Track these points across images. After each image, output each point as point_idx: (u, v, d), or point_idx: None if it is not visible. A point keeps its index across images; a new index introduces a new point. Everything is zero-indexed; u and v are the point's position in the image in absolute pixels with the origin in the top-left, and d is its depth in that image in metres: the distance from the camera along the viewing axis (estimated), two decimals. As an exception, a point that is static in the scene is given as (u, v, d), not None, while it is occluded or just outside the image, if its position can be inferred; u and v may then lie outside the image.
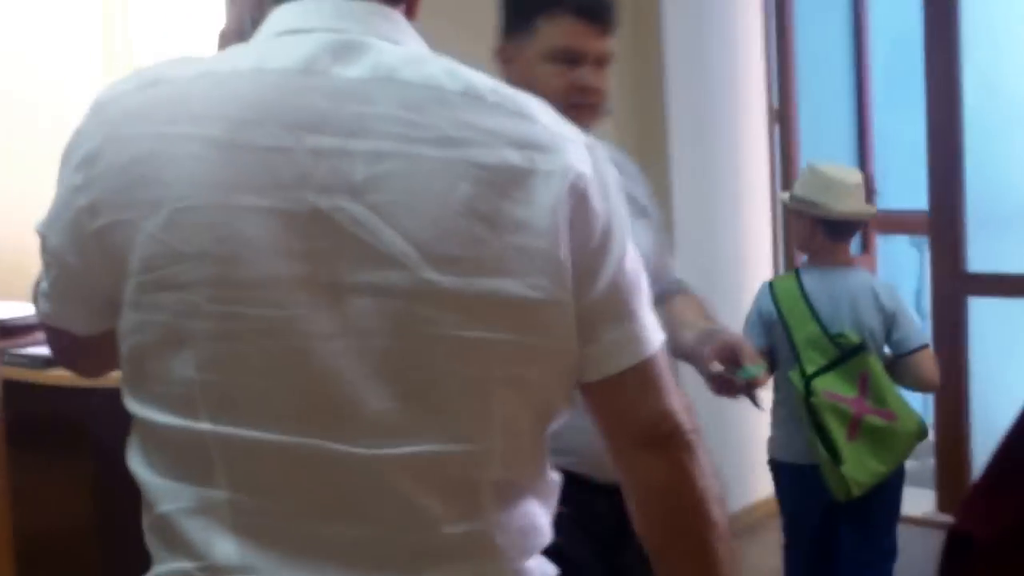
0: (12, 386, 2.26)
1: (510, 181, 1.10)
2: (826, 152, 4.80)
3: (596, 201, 1.14)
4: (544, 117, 1.16)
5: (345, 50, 1.12)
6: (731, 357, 1.94)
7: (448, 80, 1.13)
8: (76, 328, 1.19)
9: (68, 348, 1.24)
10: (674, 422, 1.19)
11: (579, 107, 1.90)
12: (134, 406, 1.14)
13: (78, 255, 1.13)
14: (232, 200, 1.07)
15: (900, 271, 6.23)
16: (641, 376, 1.18)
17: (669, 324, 1.91)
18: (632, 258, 1.19)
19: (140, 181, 1.08)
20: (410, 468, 1.09)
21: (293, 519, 1.09)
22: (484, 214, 1.09)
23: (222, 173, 1.07)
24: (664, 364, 1.20)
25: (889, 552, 3.30)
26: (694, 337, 1.98)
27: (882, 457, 3.08)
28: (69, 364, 1.30)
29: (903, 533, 3.36)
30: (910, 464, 3.29)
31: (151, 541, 1.15)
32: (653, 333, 1.20)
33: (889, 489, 3.21)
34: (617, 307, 1.17)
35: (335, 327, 1.08)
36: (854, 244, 5.87)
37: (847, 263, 3.34)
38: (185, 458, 1.11)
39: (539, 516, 1.18)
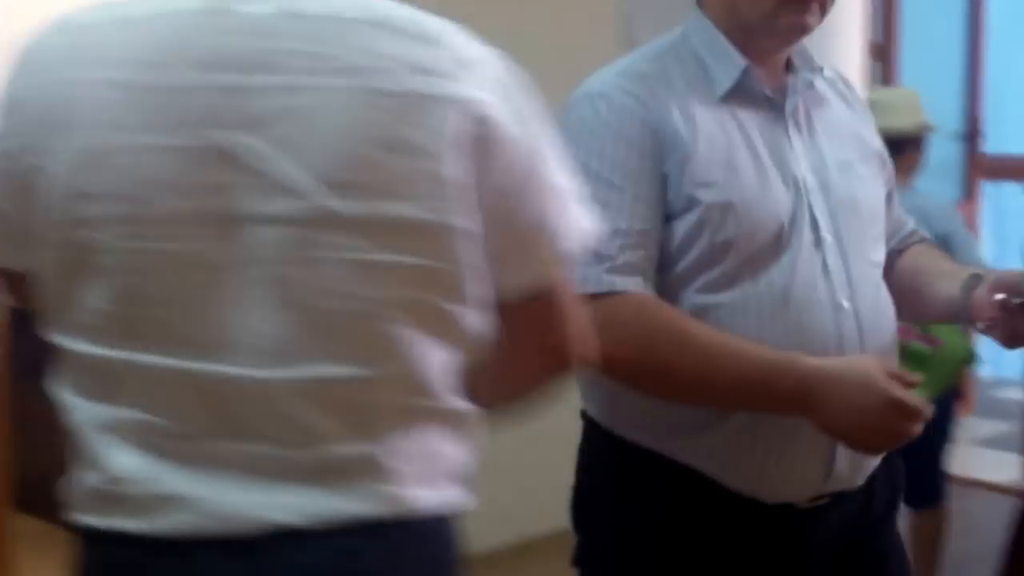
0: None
1: (409, 106, 1.13)
2: (930, 92, 4.54)
3: (506, 127, 1.16)
4: (453, 41, 1.18)
5: None
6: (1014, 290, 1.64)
7: (353, 9, 1.16)
8: (11, 264, 1.24)
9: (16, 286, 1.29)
10: (567, 347, 1.27)
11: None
12: (52, 334, 1.20)
13: (5, 199, 1.18)
14: (139, 140, 1.12)
15: (1010, 217, 5.95)
16: (544, 304, 1.24)
17: (917, 277, 1.77)
18: (561, 186, 1.22)
19: (54, 126, 1.14)
20: (306, 391, 1.13)
21: (194, 437, 1.14)
22: (383, 139, 1.12)
23: (130, 115, 1.12)
24: (567, 298, 1.26)
25: (928, 498, 3.18)
26: (961, 285, 1.69)
27: (924, 383, 2.91)
28: (19, 301, 1.32)
29: (983, 499, 3.17)
30: (999, 426, 3.10)
31: (67, 452, 1.21)
32: (560, 267, 1.25)
33: (932, 425, 3.02)
34: (531, 235, 1.21)
35: (235, 258, 1.12)
36: (955, 189, 5.67)
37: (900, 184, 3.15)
38: (96, 380, 1.17)
39: (444, 444, 1.20)
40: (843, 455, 1.56)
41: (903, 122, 3.19)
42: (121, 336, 1.14)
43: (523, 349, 1.26)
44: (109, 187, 1.12)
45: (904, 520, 2.95)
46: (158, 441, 1.14)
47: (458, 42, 1.18)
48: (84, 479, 1.18)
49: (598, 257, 1.47)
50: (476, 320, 1.19)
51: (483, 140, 1.15)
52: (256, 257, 1.12)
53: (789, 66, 1.67)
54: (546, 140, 1.21)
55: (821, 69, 1.71)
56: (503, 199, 1.18)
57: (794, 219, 1.57)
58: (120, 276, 1.13)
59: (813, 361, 1.51)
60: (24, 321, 1.34)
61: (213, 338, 1.13)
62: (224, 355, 1.13)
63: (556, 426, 1.93)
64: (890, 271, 1.73)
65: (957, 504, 3.39)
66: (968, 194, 4.83)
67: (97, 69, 1.14)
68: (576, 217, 1.24)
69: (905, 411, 1.51)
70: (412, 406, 1.17)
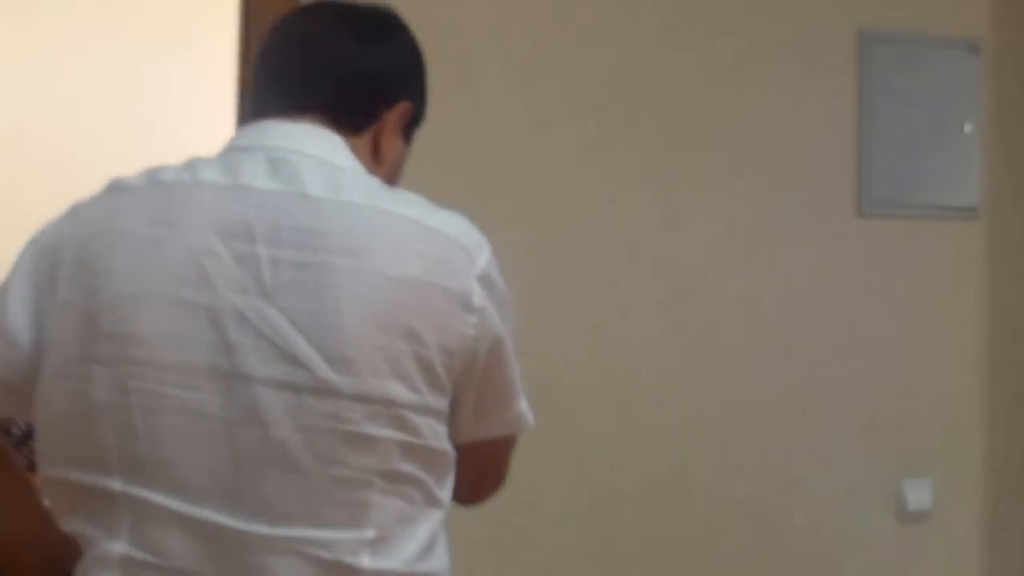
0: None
1: (408, 292, 1.20)
2: None
3: (489, 315, 1.25)
4: (453, 230, 1.26)
5: (272, 166, 1.25)
6: None
7: (359, 196, 1.23)
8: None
9: None
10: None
11: None
12: (47, 468, 1.26)
13: (30, 329, 1.25)
14: (164, 292, 1.19)
15: None
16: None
17: None
18: (511, 361, 1.32)
19: (91, 270, 1.22)
20: (289, 549, 1.19)
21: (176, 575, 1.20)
22: (381, 320, 1.19)
23: (160, 269, 1.20)
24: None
25: None
26: None
27: None
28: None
29: None
30: None
31: None
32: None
33: None
34: (502, 396, 1.33)
35: (238, 414, 1.18)
36: None
37: None
38: (96, 513, 1.22)
39: None
40: None
41: None
42: (125, 470, 1.20)
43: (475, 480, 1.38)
44: (133, 330, 1.19)
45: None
46: (142, 574, 1.20)
47: (459, 232, 1.26)
48: None
49: None
50: (446, 486, 1.28)
51: (470, 329, 1.24)
52: (260, 417, 1.18)
53: None
54: (509, 321, 1.30)
55: None
56: (480, 371, 1.27)
57: None
58: (131, 414, 1.19)
59: None
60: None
61: (213, 486, 1.19)
62: (223, 505, 1.19)
63: None
64: None
65: None
66: None
67: (137, 225, 1.22)
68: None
69: None
70: (388, 569, 1.23)
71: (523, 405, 1.36)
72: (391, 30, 1.39)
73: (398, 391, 1.20)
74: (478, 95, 2.57)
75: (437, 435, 1.24)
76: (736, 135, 2.75)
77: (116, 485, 1.20)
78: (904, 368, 2.88)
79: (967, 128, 2.91)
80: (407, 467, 1.22)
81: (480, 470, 1.37)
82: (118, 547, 1.20)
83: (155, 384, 1.19)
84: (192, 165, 1.28)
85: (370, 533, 1.21)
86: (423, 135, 1.45)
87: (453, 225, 1.26)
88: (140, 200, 1.24)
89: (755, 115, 2.76)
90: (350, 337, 1.18)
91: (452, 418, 1.28)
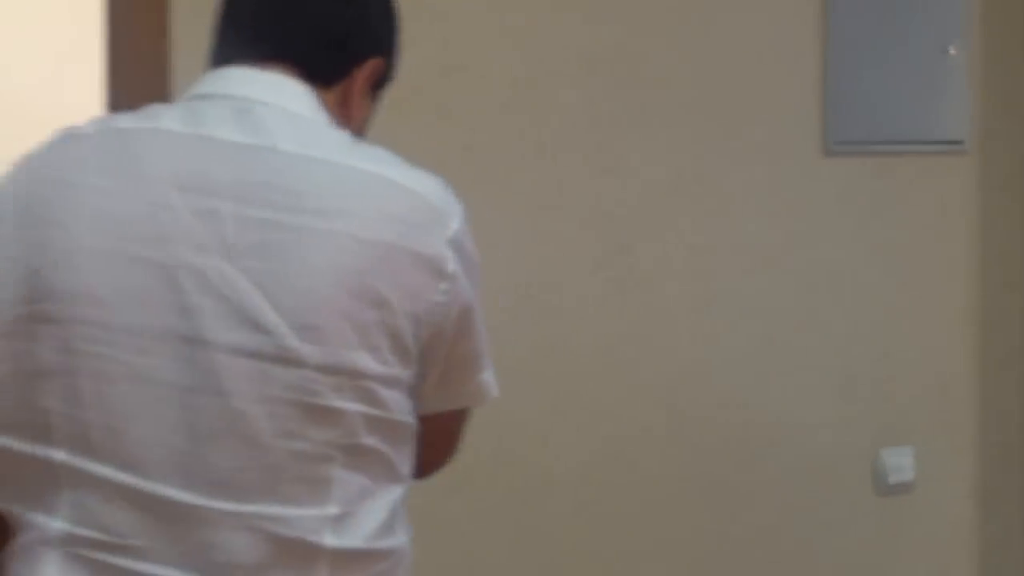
0: None
1: (380, 257, 1.19)
2: None
3: (460, 281, 1.25)
4: (428, 192, 1.25)
5: (238, 117, 1.23)
6: None
7: (332, 151, 1.23)
8: None
9: None
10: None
11: None
12: None
13: None
14: (117, 248, 1.17)
15: None
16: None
17: None
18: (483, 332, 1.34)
19: (40, 223, 1.19)
20: (248, 525, 1.18)
21: (125, 556, 1.18)
22: (352, 287, 1.18)
23: (113, 222, 1.18)
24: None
25: None
26: None
27: None
28: None
29: None
30: None
31: None
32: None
33: None
34: (467, 367, 1.34)
35: (196, 381, 1.16)
36: None
37: None
38: (31, 486, 1.20)
39: None
40: None
41: None
42: (69, 440, 1.18)
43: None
44: (82, 288, 1.17)
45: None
46: (87, 556, 1.18)
47: (433, 193, 1.25)
48: None
49: None
50: (408, 460, 1.28)
51: (440, 296, 1.23)
52: (217, 386, 1.16)
53: None
54: (478, 287, 1.30)
55: None
56: (447, 340, 1.27)
57: None
58: (77, 378, 1.17)
59: None
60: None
61: (164, 459, 1.17)
62: (174, 478, 1.17)
63: None
64: None
65: None
66: None
67: (89, 175, 1.20)
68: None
69: None
70: (351, 547, 1.22)
71: (489, 375, 1.37)
72: None
73: (366, 362, 1.19)
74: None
75: (403, 408, 1.25)
76: (680, 65, 2.55)
77: (58, 455, 1.18)
78: (881, 324, 2.74)
79: (952, 50, 2.73)
80: (371, 441, 1.22)
81: (435, 441, 1.37)
82: (56, 524, 1.18)
83: (105, 347, 1.17)
84: (151, 112, 1.27)
85: (332, 510, 1.21)
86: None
87: (427, 186, 1.26)
88: (93, 148, 1.23)
89: (701, 41, 2.57)
90: (318, 304, 1.17)
91: (416, 388, 1.28)
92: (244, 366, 1.16)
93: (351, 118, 1.35)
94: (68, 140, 1.26)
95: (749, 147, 2.60)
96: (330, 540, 1.20)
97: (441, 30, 2.38)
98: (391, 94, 2.28)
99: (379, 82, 1.40)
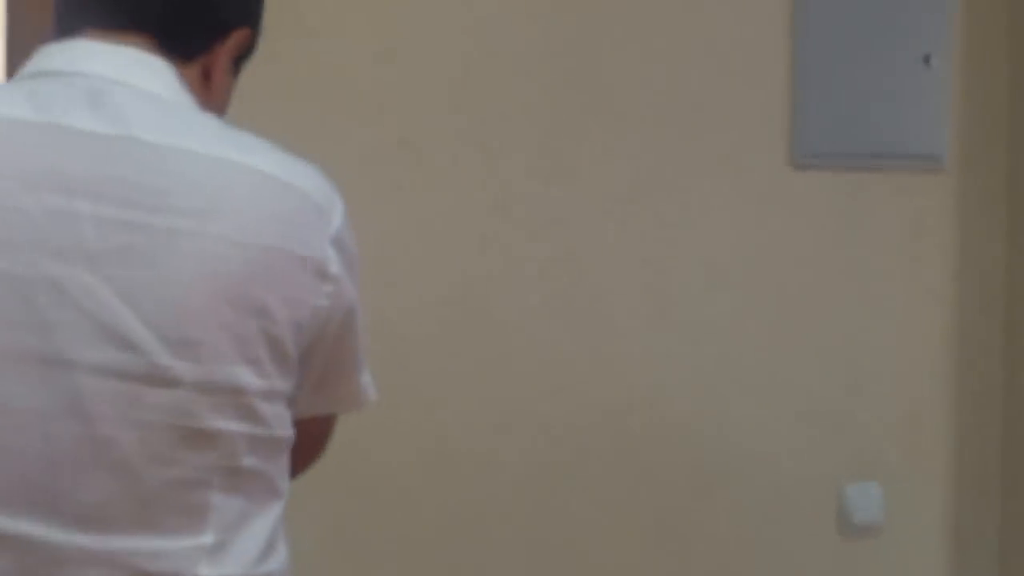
0: None
1: (260, 262, 1.13)
2: None
3: (344, 284, 1.20)
4: (310, 187, 1.19)
5: (92, 100, 1.14)
6: None
7: (203, 143, 1.15)
8: None
9: None
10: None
11: None
12: None
13: None
14: None
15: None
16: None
17: None
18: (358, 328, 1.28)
19: None
20: (115, 562, 1.12)
21: None
22: (229, 295, 1.11)
23: None
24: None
25: None
26: None
27: None
28: None
29: None
30: None
31: None
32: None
33: None
34: (345, 371, 1.30)
35: (58, 407, 1.09)
36: None
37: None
38: None
39: None
40: None
41: None
42: None
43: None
44: None
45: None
46: None
47: (315, 188, 1.19)
48: None
49: None
50: (286, 474, 1.24)
51: (324, 300, 1.18)
52: (79, 410, 1.09)
53: None
54: (357, 284, 1.24)
55: None
56: (328, 344, 1.22)
57: None
58: None
59: None
60: None
61: (24, 493, 1.10)
62: (37, 514, 1.10)
63: None
64: None
65: None
66: None
67: None
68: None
69: None
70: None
71: (367, 377, 1.34)
72: None
73: (247, 377, 1.14)
74: (312, 18, 2.27)
75: (283, 421, 1.20)
76: (638, 65, 2.46)
77: None
78: (850, 349, 2.66)
79: (932, 60, 2.63)
80: (251, 461, 1.17)
81: (306, 444, 1.31)
82: None
83: None
84: None
85: (208, 539, 1.15)
86: (249, 65, 1.36)
87: (307, 179, 1.19)
88: None
89: (661, 39, 2.48)
90: (192, 315, 1.11)
91: (292, 395, 1.23)
92: (110, 387, 1.10)
93: (214, 97, 1.26)
94: None
95: (711, 155, 2.52)
96: (206, 571, 1.15)
97: (374, 12, 2.29)
98: (316, 80, 2.25)
99: (242, 55, 1.30)
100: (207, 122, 1.19)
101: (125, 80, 1.17)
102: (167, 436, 1.12)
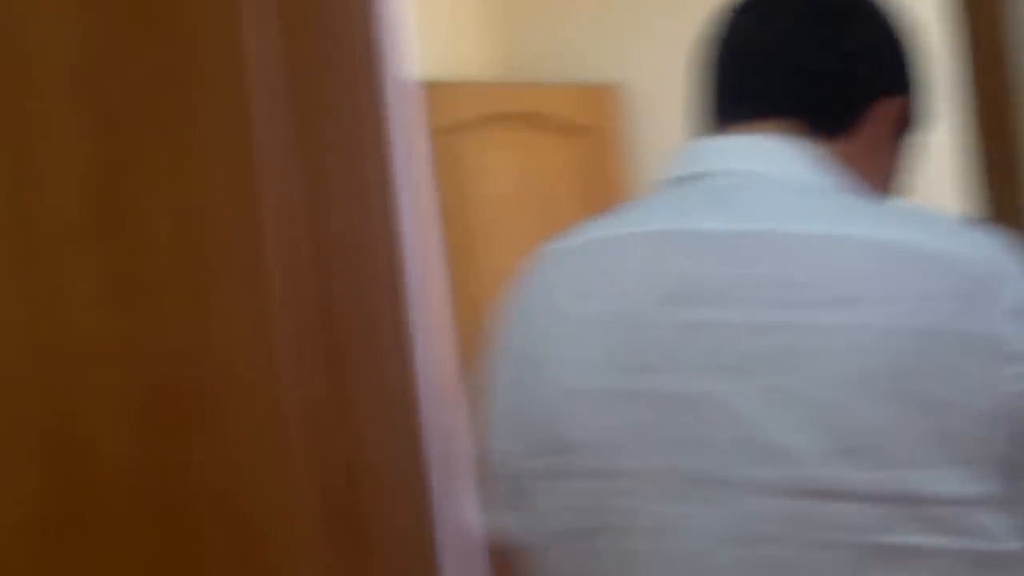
0: None
1: (917, 348, 0.99)
2: None
3: None
4: (960, 251, 1.03)
5: (723, 198, 1.08)
6: None
7: (834, 223, 1.04)
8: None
9: None
10: None
11: None
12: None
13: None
14: (606, 383, 1.06)
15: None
16: None
17: None
18: None
19: (533, 365, 1.12)
20: None
21: None
22: (890, 391, 0.99)
23: (600, 353, 1.08)
24: None
25: None
26: None
27: None
28: None
29: None
30: None
31: None
32: None
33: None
34: None
35: (718, 530, 1.02)
36: None
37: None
38: None
39: None
40: None
41: None
42: None
43: None
44: (577, 435, 1.08)
45: None
46: None
47: (970, 256, 1.03)
48: None
49: None
50: None
51: (1012, 384, 1.00)
52: (744, 533, 1.02)
53: None
54: None
55: None
56: None
57: None
58: (593, 539, 1.08)
59: None
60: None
61: None
62: None
63: None
64: None
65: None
66: None
67: (573, 301, 1.11)
68: None
69: None
70: None
71: None
72: (856, 9, 1.20)
73: (935, 482, 1.00)
74: None
75: (992, 533, 1.02)
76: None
77: None
78: None
79: None
80: None
81: None
82: None
83: (607, 498, 1.07)
84: (631, 211, 1.16)
85: None
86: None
87: (960, 246, 1.04)
88: (572, 267, 1.15)
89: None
90: (854, 417, 1.00)
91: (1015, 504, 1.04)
92: (777, 505, 1.01)
93: (871, 173, 1.16)
94: (548, 259, 1.17)
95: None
96: None
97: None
98: None
99: (904, 126, 1.20)
100: (842, 201, 1.09)
101: (763, 171, 1.11)
102: (846, 556, 1.01)
